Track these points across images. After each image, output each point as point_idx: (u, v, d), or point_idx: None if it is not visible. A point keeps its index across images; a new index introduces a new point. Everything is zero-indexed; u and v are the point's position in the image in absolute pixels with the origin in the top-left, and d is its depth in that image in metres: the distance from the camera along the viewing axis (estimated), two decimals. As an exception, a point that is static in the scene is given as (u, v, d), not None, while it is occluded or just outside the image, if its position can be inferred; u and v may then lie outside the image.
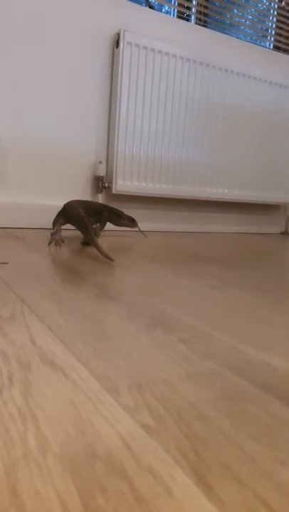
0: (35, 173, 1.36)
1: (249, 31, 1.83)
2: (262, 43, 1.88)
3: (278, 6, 1.86)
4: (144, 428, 0.23)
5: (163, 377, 0.30)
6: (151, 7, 1.55)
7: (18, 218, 1.34)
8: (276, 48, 1.90)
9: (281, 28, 1.89)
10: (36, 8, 1.28)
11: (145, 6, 1.49)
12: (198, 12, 1.68)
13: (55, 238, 0.98)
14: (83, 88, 1.40)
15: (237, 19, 1.79)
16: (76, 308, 0.47)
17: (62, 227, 1.05)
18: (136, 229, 1.35)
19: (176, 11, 1.63)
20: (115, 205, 1.50)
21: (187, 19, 1.66)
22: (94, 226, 1.16)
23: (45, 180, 1.38)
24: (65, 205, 1.06)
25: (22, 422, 0.23)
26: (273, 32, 1.88)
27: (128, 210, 1.53)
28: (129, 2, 1.43)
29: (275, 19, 1.87)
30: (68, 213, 1.02)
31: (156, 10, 1.53)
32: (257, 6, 1.81)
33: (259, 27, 1.86)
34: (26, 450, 0.21)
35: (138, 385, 0.29)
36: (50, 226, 1.50)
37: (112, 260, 0.78)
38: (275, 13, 1.86)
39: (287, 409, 0.27)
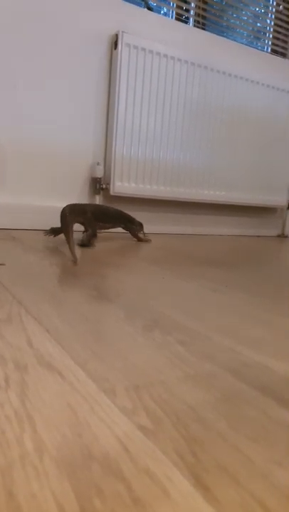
0: (32, 174, 1.36)
1: (247, 34, 1.84)
2: (259, 46, 1.89)
3: (276, 10, 1.88)
4: (142, 430, 0.23)
5: (161, 379, 0.30)
6: (149, 9, 1.56)
7: (15, 219, 1.34)
8: (273, 51, 1.91)
9: (278, 32, 1.90)
10: (35, 9, 1.28)
11: (144, 8, 1.49)
12: (197, 14, 1.69)
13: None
14: (81, 89, 1.40)
15: (234, 22, 1.79)
16: (74, 309, 0.47)
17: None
18: (141, 233, 1.39)
19: (174, 13, 1.64)
20: (113, 206, 1.50)
21: (185, 21, 1.67)
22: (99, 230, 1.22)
23: (43, 181, 1.38)
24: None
25: (18, 424, 0.23)
26: (271, 35, 1.89)
27: (126, 212, 1.53)
28: (128, 4, 1.44)
29: (272, 22, 1.88)
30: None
31: (155, 12, 1.53)
32: (254, 9, 1.83)
33: (256, 30, 1.86)
34: (23, 452, 0.21)
35: (136, 386, 0.29)
36: (47, 227, 1.50)
37: (75, 262, 0.78)
38: (273, 16, 1.87)
39: (284, 410, 0.27)
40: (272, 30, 1.89)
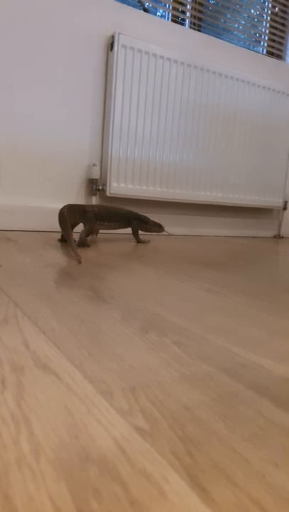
0: (28, 175, 1.36)
1: (243, 36, 1.85)
2: (255, 48, 1.89)
3: (271, 12, 1.89)
4: (138, 431, 0.23)
5: (157, 380, 0.30)
6: (146, 10, 1.56)
7: (10, 220, 1.34)
8: (269, 53, 1.92)
9: (274, 34, 1.91)
10: (31, 10, 1.28)
11: (140, 10, 1.50)
12: (193, 16, 1.69)
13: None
14: (77, 90, 1.40)
15: (231, 24, 1.80)
16: (70, 311, 0.47)
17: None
18: (164, 233, 1.41)
19: (170, 14, 1.64)
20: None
21: (182, 23, 1.68)
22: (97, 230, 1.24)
23: (39, 182, 1.38)
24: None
25: (15, 426, 0.23)
26: (266, 37, 1.91)
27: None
28: (124, 5, 1.44)
29: (268, 25, 1.89)
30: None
31: (151, 13, 1.54)
32: (250, 11, 1.83)
33: (252, 32, 1.87)
34: (19, 454, 0.21)
35: (132, 388, 0.29)
36: (44, 229, 1.50)
37: (79, 261, 0.81)
38: (269, 18, 1.89)
39: (280, 411, 0.27)
40: (268, 32, 1.90)
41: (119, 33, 1.36)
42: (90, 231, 1.13)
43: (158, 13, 1.65)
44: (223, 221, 1.84)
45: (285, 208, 1.96)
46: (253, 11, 1.84)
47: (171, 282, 0.68)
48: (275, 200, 1.88)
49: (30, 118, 1.33)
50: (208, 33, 1.69)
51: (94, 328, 0.41)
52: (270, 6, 1.88)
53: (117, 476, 0.19)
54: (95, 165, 1.43)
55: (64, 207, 1.05)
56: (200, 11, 1.70)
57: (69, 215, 1.01)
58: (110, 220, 1.21)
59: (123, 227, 1.27)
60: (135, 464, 0.20)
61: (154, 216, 1.63)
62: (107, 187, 1.43)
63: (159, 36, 1.52)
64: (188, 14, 1.68)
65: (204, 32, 1.70)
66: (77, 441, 0.22)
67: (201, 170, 1.63)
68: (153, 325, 0.44)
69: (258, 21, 1.87)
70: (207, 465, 0.21)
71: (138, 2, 1.55)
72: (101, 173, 1.47)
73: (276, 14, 1.90)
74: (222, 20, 1.77)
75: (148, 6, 1.59)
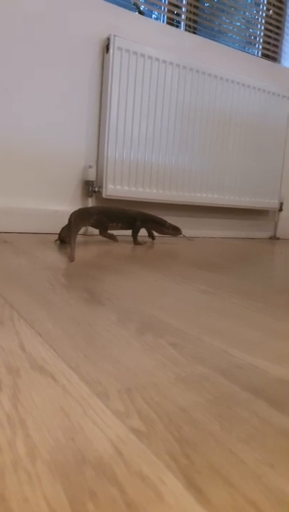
0: (24, 177, 1.35)
1: (237, 38, 1.86)
2: (250, 51, 1.91)
3: (266, 15, 1.90)
4: (135, 433, 0.23)
5: (153, 382, 0.30)
6: (141, 13, 1.56)
7: (6, 223, 1.33)
8: (264, 55, 1.93)
9: (269, 36, 1.93)
10: (26, 12, 1.28)
11: (135, 12, 1.50)
12: (188, 19, 1.70)
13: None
14: (73, 92, 1.40)
15: (226, 26, 1.81)
16: (66, 313, 0.47)
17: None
18: (181, 236, 1.43)
19: (166, 17, 1.65)
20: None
21: (177, 26, 1.68)
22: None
23: (35, 184, 1.38)
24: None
25: (10, 429, 0.23)
26: (261, 40, 1.92)
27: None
28: (120, 8, 1.44)
29: (263, 27, 1.90)
30: None
31: (146, 16, 1.54)
32: (245, 14, 1.85)
33: (247, 35, 1.89)
34: (15, 457, 0.20)
35: (128, 389, 0.29)
36: (40, 231, 1.50)
37: (71, 259, 0.85)
38: (263, 21, 1.90)
39: (276, 412, 0.27)
40: (262, 34, 1.91)
41: (114, 36, 1.36)
42: (104, 233, 1.18)
43: (153, 16, 1.65)
44: (219, 222, 1.84)
45: (280, 210, 1.97)
46: (247, 14, 1.86)
47: (168, 284, 0.68)
48: (270, 202, 1.89)
49: (26, 120, 1.33)
50: (203, 36, 1.70)
51: (90, 330, 0.41)
52: (264, 8, 1.89)
53: (113, 478, 0.19)
54: (91, 167, 1.43)
55: (74, 212, 1.09)
56: (195, 14, 1.71)
57: (77, 220, 1.06)
58: (116, 221, 1.24)
59: (130, 228, 1.29)
60: (131, 465, 0.21)
61: (150, 218, 1.63)
62: (103, 189, 1.43)
63: (155, 38, 1.53)
64: (183, 17, 1.69)
65: (199, 34, 1.71)
66: (73, 443, 0.22)
67: (197, 171, 1.63)
68: (149, 327, 0.44)
69: (252, 24, 1.88)
70: (203, 466, 0.21)
71: (133, 4, 1.55)
72: (97, 175, 1.47)
73: (271, 17, 1.91)
74: (217, 23, 1.78)
75: (143, 8, 1.59)
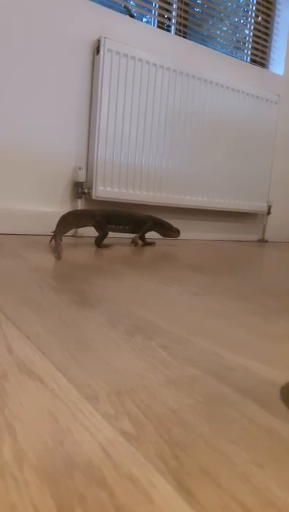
0: (13, 178, 1.34)
1: (227, 44, 1.88)
2: (239, 56, 1.93)
3: (255, 21, 1.93)
4: (124, 435, 0.23)
5: (143, 384, 0.30)
6: (132, 16, 1.57)
7: (-5, 224, 1.32)
8: (253, 61, 1.96)
9: (257, 43, 1.95)
10: (17, 14, 1.27)
11: (126, 15, 1.51)
12: (178, 23, 1.72)
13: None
14: (64, 94, 1.39)
15: (215, 32, 1.83)
16: (55, 315, 0.46)
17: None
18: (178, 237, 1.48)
19: (156, 21, 1.66)
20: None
21: (167, 29, 1.69)
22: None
23: (24, 185, 1.37)
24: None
25: (-2, 433, 0.22)
26: (250, 46, 1.94)
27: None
28: (111, 10, 1.45)
29: (251, 33, 1.93)
30: None
31: (137, 19, 1.55)
32: (234, 19, 1.87)
33: (236, 40, 1.91)
34: (1, 462, 0.20)
35: (118, 392, 0.28)
36: (29, 232, 1.49)
37: (57, 258, 0.87)
38: (252, 27, 1.92)
39: (265, 412, 0.27)
40: (251, 40, 1.94)
41: (105, 38, 1.37)
42: (104, 235, 1.19)
43: (144, 20, 1.66)
44: (209, 225, 1.85)
45: (269, 213, 1.99)
46: (237, 20, 1.88)
47: (158, 286, 0.68)
48: (259, 205, 1.91)
49: (15, 122, 1.32)
50: (193, 40, 1.71)
51: (79, 333, 0.41)
52: (253, 15, 1.92)
53: (102, 482, 0.19)
54: (80, 168, 1.43)
55: (68, 212, 1.12)
56: (185, 18, 1.72)
57: (74, 220, 1.09)
58: (119, 223, 1.24)
59: (134, 230, 1.30)
60: (121, 468, 0.20)
61: (140, 220, 1.63)
62: (93, 190, 1.42)
63: (145, 42, 1.53)
64: (173, 21, 1.70)
65: (189, 39, 1.72)
66: (62, 447, 0.22)
67: (187, 174, 1.64)
68: (139, 329, 0.44)
69: (241, 30, 1.91)
70: (193, 468, 0.21)
71: (124, 7, 1.56)
72: (87, 177, 1.47)
73: (259, 23, 1.94)
74: (206, 28, 1.80)
75: (134, 12, 1.60)
